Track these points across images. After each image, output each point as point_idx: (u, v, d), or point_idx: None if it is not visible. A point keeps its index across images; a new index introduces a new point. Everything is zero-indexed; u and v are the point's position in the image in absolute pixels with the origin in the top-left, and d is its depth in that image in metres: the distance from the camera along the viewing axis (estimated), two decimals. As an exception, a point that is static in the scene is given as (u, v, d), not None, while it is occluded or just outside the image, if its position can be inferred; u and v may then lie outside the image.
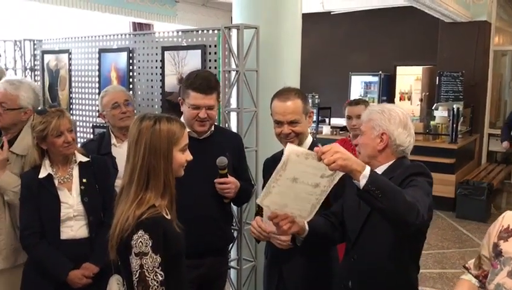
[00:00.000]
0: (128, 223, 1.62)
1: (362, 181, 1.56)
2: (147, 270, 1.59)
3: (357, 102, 3.35)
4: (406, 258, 1.93)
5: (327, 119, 8.87)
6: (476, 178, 6.91)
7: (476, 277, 1.74)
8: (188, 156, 1.79)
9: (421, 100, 9.63)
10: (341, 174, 1.60)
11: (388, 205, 1.57)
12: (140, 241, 1.60)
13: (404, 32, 9.27)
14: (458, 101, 7.68)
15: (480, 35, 7.94)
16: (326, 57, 10.02)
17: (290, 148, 1.58)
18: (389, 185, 1.61)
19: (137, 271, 1.60)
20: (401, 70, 10.17)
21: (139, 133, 1.69)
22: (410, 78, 10.67)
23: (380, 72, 9.66)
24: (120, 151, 2.69)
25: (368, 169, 1.57)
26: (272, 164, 2.43)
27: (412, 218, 1.59)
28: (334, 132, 8.00)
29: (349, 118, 3.27)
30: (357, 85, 10.01)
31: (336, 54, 10.02)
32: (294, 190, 1.65)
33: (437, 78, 8.25)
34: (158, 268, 1.61)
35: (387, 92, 9.87)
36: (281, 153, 2.39)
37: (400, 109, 2.00)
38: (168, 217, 1.71)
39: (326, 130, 8.11)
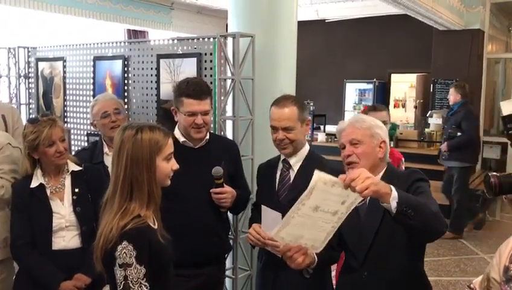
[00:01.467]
0: (112, 234, 1.58)
1: (393, 203, 1.53)
2: (131, 281, 1.56)
3: (379, 108, 3.30)
4: (418, 267, 1.95)
5: (322, 127, 8.88)
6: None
7: None
8: (173, 165, 1.74)
9: (415, 107, 9.66)
10: (360, 199, 1.54)
11: (420, 221, 1.56)
12: (124, 252, 1.56)
13: (398, 40, 9.32)
14: (452, 109, 7.70)
15: (474, 43, 7.98)
16: (321, 65, 10.05)
17: (318, 176, 1.49)
18: (415, 200, 1.59)
19: (121, 283, 1.56)
20: (395, 78, 10.22)
21: (121, 143, 1.66)
22: (404, 85, 10.72)
23: (375, 79, 9.70)
24: None
25: (394, 190, 1.55)
26: (267, 169, 2.44)
27: (441, 227, 1.63)
28: (329, 139, 8.01)
29: None
30: (352, 92, 10.04)
31: (330, 62, 10.06)
32: (313, 219, 1.59)
33: (431, 85, 8.28)
34: (143, 279, 1.57)
35: (382, 99, 9.90)
36: (277, 158, 2.41)
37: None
38: (155, 226, 1.68)
39: (321, 137, 8.12)
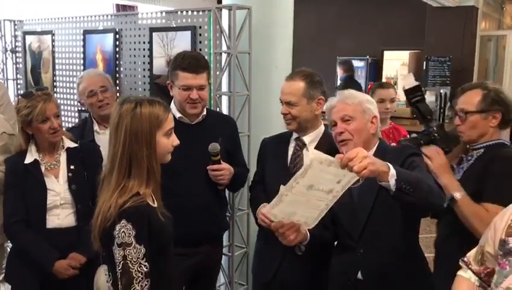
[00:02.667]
0: (110, 212, 1.53)
1: (392, 181, 1.51)
2: (130, 261, 1.51)
3: (387, 85, 3.27)
4: (413, 242, 1.96)
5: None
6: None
7: (477, 273, 1.61)
8: (174, 140, 1.69)
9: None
10: (356, 178, 1.52)
11: (419, 197, 1.55)
12: (123, 232, 1.51)
13: (392, 17, 9.23)
14: (445, 86, 7.69)
15: (468, 20, 7.93)
16: (314, 41, 9.93)
17: (315, 156, 1.48)
18: (413, 176, 1.58)
19: (120, 262, 1.52)
20: (387, 55, 10.15)
21: (119, 118, 1.59)
22: (396, 63, 10.65)
23: (367, 56, 9.61)
24: (104, 138, 2.51)
25: (392, 167, 1.53)
26: (276, 145, 2.33)
27: (439, 201, 1.62)
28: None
29: (381, 101, 3.07)
30: (344, 70, 9.96)
31: (323, 38, 9.94)
32: (307, 197, 1.57)
33: (424, 63, 8.25)
34: (142, 259, 1.52)
35: (374, 77, 9.84)
36: (288, 135, 2.29)
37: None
38: (155, 204, 1.63)
39: (313, 115, 8.07)
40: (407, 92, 2.33)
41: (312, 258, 2.16)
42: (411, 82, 2.35)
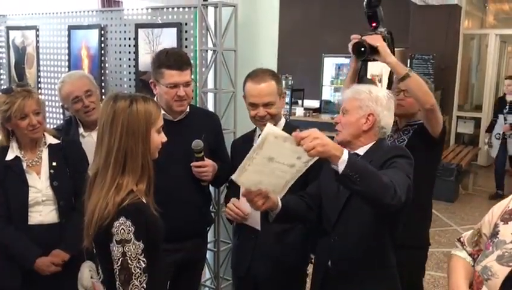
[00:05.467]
0: (108, 210, 1.54)
1: (341, 166, 1.55)
2: (129, 257, 1.53)
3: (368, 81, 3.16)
4: (384, 238, 1.94)
5: (300, 101, 8.85)
6: (445, 159, 7.04)
7: (471, 254, 1.69)
8: (162, 137, 1.72)
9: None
10: (316, 158, 1.59)
11: (365, 187, 1.59)
12: (122, 229, 1.53)
13: (376, 15, 9.29)
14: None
15: (452, 18, 8.04)
16: (299, 38, 9.95)
17: (269, 130, 1.54)
18: (366, 168, 1.62)
19: (119, 259, 1.54)
20: (373, 53, 10.22)
21: (114, 114, 1.60)
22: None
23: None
24: (89, 140, 2.48)
25: (345, 154, 1.57)
26: (241, 144, 2.40)
27: (389, 199, 1.60)
28: (307, 114, 8.02)
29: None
30: (330, 67, 10.00)
31: (308, 35, 9.97)
32: (269, 168, 1.63)
33: (408, 60, 8.33)
34: (141, 255, 1.55)
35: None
36: (252, 133, 2.38)
37: (384, 90, 2.00)
38: (145, 201, 1.65)
39: (299, 111, 8.12)
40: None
41: (284, 253, 2.23)
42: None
